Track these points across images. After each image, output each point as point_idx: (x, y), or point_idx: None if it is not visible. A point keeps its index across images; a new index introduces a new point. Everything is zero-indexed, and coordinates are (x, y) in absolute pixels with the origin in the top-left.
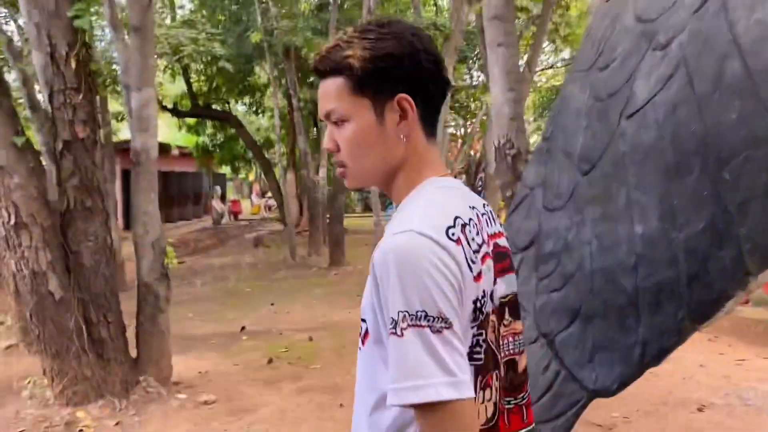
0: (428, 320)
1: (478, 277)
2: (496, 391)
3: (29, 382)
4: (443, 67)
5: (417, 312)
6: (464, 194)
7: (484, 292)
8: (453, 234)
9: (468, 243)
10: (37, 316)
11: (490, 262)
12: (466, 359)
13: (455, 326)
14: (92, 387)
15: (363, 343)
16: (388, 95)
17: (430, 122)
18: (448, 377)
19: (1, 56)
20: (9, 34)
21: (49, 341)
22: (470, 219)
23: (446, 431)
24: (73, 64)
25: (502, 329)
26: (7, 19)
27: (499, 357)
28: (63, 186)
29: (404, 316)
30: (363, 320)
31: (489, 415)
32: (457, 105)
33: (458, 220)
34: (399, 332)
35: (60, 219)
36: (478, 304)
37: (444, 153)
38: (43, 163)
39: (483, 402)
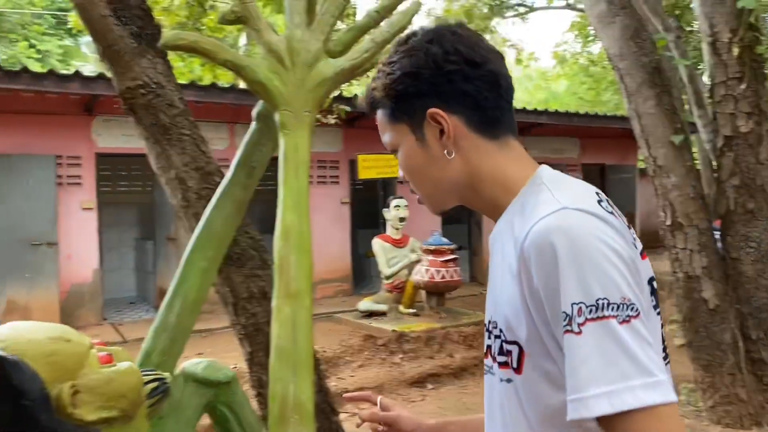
0: (612, 309)
1: (643, 254)
2: None
3: (684, 387)
4: (490, 59)
5: (598, 301)
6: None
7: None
8: (606, 206)
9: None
10: (690, 322)
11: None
12: (659, 354)
13: (642, 314)
14: (747, 412)
15: (520, 368)
16: (421, 114)
17: (489, 122)
18: (646, 378)
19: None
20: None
21: (700, 351)
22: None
23: None
24: (735, 51)
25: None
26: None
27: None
28: (722, 186)
29: (580, 308)
30: (501, 336)
31: None
32: None
33: (599, 193)
34: (576, 329)
35: (717, 221)
36: (654, 285)
37: None
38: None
39: None
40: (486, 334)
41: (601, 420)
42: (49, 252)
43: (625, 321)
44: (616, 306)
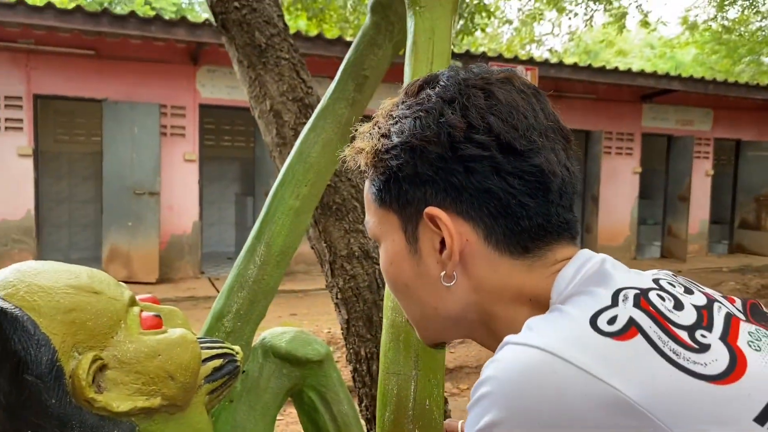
0: None
1: (732, 376)
2: None
3: None
4: (541, 146)
5: None
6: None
7: None
8: (610, 320)
9: (661, 314)
10: None
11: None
12: None
13: None
14: None
15: None
16: (416, 208)
17: (522, 235)
18: None
19: None
20: None
21: None
22: (655, 280)
23: None
24: None
25: None
26: None
27: None
28: None
29: None
30: None
31: None
32: None
33: (623, 292)
34: None
35: None
36: None
37: None
38: None
39: None
40: None
41: None
42: (151, 202)
43: None
44: None
